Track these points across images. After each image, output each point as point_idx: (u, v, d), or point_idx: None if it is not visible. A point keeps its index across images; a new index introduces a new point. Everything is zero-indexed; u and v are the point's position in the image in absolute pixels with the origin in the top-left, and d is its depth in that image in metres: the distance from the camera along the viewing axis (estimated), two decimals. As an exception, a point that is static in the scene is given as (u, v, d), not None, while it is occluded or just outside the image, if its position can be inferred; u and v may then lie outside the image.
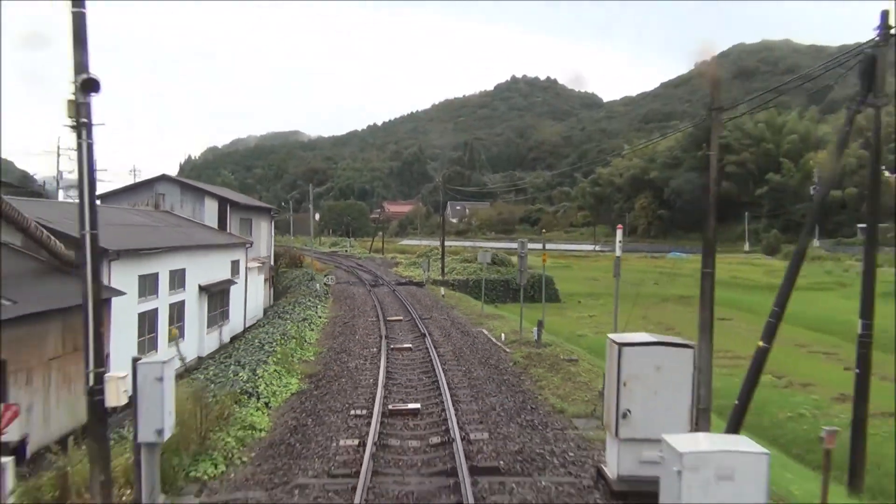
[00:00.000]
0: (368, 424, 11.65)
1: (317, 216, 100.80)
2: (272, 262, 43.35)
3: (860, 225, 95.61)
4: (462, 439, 10.75)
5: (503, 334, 22.11)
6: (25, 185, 49.37)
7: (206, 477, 9.81)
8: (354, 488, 8.67)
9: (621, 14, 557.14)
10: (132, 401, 8.69)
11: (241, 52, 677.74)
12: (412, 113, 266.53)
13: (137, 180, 46.57)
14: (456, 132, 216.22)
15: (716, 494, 6.77)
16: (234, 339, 29.43)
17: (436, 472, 9.62)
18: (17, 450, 14.16)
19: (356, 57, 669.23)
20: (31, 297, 15.25)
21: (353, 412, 12.90)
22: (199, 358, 25.78)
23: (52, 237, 17.55)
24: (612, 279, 17.65)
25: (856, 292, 42.45)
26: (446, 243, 55.60)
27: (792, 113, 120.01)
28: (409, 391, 14.69)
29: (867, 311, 11.71)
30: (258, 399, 13.82)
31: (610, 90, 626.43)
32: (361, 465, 9.54)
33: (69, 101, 7.60)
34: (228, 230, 33.83)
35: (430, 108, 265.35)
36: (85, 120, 7.64)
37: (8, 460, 8.20)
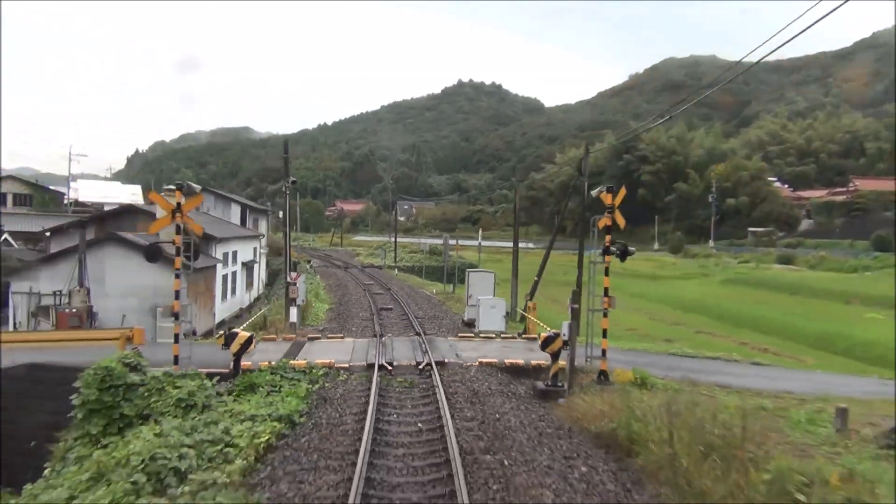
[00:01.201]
0: (371, 311, 28.06)
1: (280, 214, 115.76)
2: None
3: (751, 228, 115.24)
4: (411, 316, 27.18)
5: (434, 290, 38.76)
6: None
7: (312, 323, 26.00)
8: (372, 321, 25.05)
9: (577, 19, 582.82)
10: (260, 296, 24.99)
11: (189, 47, 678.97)
12: (362, 113, 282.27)
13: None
14: (404, 133, 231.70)
15: (489, 312, 23.42)
16: (255, 300, 45.15)
17: (401, 320, 26.10)
18: (193, 332, 29.96)
19: (307, 55, 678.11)
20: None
21: (363, 308, 29.32)
22: (241, 308, 41.49)
23: (190, 230, 33.24)
24: (531, 270, 34.20)
25: (710, 280, 64.54)
26: (375, 238, 72.40)
27: (700, 129, 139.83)
28: (386, 304, 31.08)
29: (580, 273, 28.33)
30: (314, 307, 30.01)
31: (554, 94, 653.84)
32: (373, 318, 25.92)
33: (284, 187, 23.83)
34: (247, 226, 49.46)
35: (380, 108, 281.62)
36: (288, 192, 23.85)
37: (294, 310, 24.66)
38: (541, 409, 13.53)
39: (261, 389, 14.23)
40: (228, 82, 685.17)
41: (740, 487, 8.16)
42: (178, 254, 14.78)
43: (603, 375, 15.23)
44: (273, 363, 16.00)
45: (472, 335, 22.08)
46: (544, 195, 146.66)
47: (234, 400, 13.47)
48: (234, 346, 14.59)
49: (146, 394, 13.24)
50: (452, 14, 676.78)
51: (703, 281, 70.38)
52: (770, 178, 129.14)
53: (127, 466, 10.14)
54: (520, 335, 23.18)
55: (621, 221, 15.44)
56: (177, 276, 14.86)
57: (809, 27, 9.72)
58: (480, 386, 14.87)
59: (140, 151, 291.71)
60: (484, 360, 16.85)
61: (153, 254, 14.84)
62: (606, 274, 15.56)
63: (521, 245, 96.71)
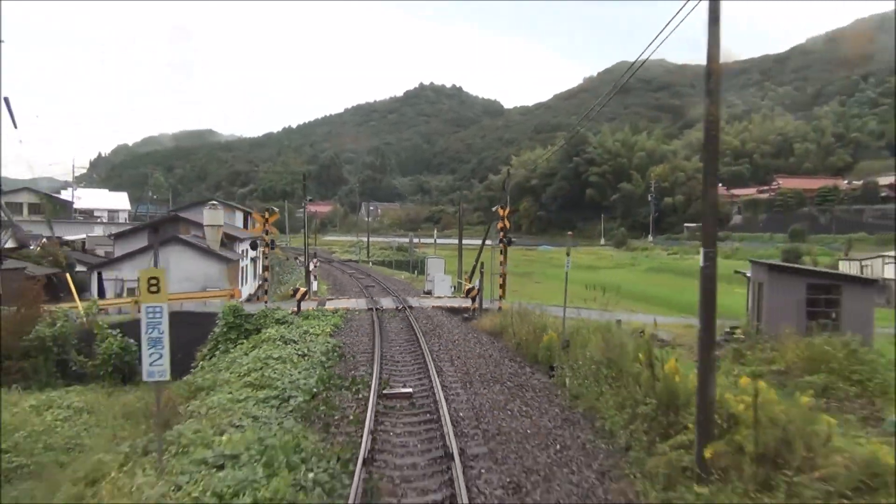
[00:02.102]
0: (360, 287, 41.08)
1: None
2: (258, 250, 71.43)
3: (686, 224, 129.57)
4: (388, 289, 40.20)
5: (403, 276, 51.94)
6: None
7: (321, 295, 38.94)
8: (363, 292, 38.08)
9: (538, 21, 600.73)
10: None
11: (142, 47, 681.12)
12: (326, 116, 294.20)
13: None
14: (368, 136, 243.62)
15: (440, 283, 36.83)
16: (257, 287, 57.68)
17: (382, 291, 39.23)
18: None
19: (269, 57, 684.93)
20: (228, 254, 43.56)
21: (353, 286, 42.31)
22: (250, 294, 53.97)
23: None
24: (484, 261, 47.38)
25: (636, 269, 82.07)
26: (364, 238, 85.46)
27: (643, 133, 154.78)
28: (370, 283, 44.07)
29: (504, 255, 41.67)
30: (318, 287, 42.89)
31: (513, 96, 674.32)
32: (363, 291, 38.96)
33: (305, 204, 36.71)
34: (247, 229, 61.87)
35: (343, 111, 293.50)
36: (306, 205, 36.72)
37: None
38: (462, 324, 26.67)
39: (312, 319, 27.07)
40: (190, 84, 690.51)
41: (532, 332, 21.28)
42: (265, 246, 27.55)
43: (499, 309, 28.34)
44: (313, 308, 28.83)
45: (429, 296, 35.15)
46: (501, 195, 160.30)
47: (304, 321, 26.32)
48: (298, 295, 27.44)
49: (257, 318, 26.00)
50: (413, 15, 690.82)
51: (630, 269, 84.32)
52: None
53: (269, 340, 22.94)
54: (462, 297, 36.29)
55: (508, 225, 28.61)
56: (265, 257, 27.63)
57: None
58: (432, 315, 27.95)
59: (103, 155, 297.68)
60: (435, 305, 29.96)
61: (254, 244, 27.56)
62: (502, 253, 28.72)
63: (478, 241, 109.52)
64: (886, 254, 48.44)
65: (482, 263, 28.69)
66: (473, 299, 28.08)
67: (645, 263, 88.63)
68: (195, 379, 19.20)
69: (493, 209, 29.61)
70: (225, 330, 25.60)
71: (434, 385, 14.82)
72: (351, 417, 12.71)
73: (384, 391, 14.57)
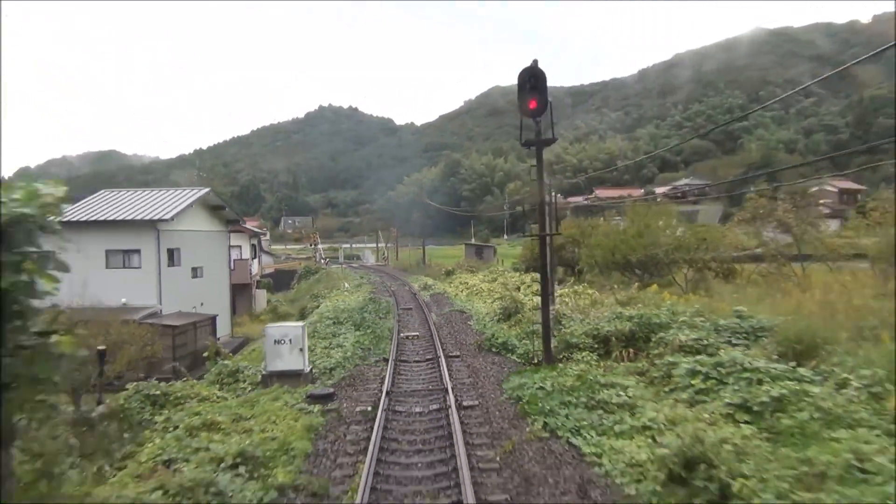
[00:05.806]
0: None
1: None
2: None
3: (533, 224, 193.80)
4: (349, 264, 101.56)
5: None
6: None
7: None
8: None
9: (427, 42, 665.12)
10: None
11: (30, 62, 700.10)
12: (234, 137, 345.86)
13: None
14: (277, 156, 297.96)
15: (371, 259, 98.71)
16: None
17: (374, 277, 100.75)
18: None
19: (172, 73, 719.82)
20: (272, 251, 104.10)
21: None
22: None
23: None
24: (385, 259, 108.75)
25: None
26: (289, 247, 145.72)
27: (501, 157, 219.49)
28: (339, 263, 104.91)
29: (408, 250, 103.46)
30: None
31: (404, 113, 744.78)
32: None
33: (314, 219, 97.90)
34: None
35: (250, 133, 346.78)
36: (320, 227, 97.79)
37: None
38: (382, 267, 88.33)
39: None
40: (84, 103, 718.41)
41: (406, 265, 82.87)
42: (316, 248, 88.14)
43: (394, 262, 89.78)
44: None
45: (367, 263, 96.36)
46: (396, 208, 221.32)
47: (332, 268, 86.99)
48: (328, 260, 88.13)
49: (317, 268, 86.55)
50: (310, 36, 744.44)
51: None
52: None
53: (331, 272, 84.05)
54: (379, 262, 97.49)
55: (396, 234, 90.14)
56: (314, 254, 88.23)
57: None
58: (371, 266, 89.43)
59: (6, 178, 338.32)
60: (371, 265, 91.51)
61: (308, 244, 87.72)
62: (387, 246, 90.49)
63: (383, 244, 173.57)
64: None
65: (385, 250, 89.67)
66: (385, 259, 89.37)
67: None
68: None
69: (387, 227, 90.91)
70: (303, 273, 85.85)
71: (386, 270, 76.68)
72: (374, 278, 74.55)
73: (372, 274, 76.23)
